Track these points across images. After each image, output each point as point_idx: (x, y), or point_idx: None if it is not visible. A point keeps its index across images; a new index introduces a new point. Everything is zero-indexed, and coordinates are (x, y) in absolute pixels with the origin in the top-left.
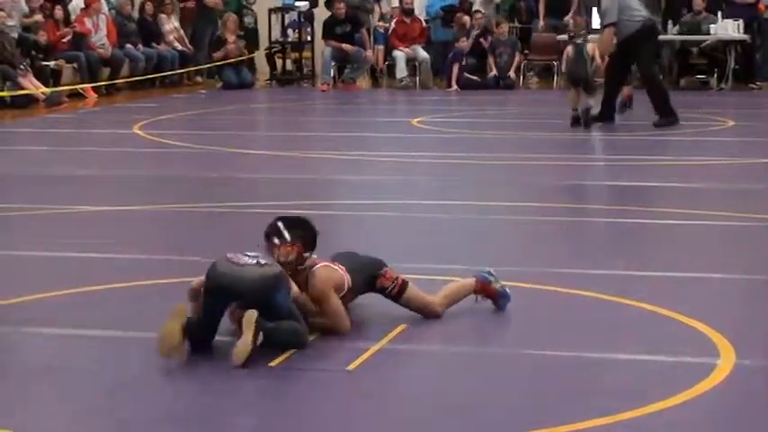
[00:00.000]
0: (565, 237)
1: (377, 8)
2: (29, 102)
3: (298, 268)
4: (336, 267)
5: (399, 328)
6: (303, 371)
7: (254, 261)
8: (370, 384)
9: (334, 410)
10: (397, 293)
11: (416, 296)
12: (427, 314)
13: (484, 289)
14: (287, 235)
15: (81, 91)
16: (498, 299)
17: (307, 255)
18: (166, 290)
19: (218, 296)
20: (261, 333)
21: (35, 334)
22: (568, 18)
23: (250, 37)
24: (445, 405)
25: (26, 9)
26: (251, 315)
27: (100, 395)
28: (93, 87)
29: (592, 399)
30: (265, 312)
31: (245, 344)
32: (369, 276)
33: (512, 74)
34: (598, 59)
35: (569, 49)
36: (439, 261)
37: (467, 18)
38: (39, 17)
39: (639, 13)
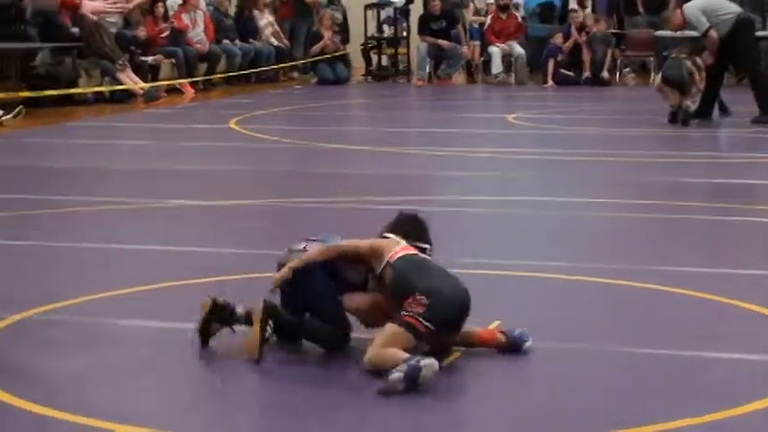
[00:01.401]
0: (662, 234)
1: (471, 4)
2: (127, 97)
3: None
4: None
5: (494, 324)
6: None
7: (303, 246)
8: (454, 382)
9: (421, 406)
10: None
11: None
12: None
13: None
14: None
15: (178, 86)
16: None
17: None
18: (262, 284)
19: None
20: (271, 325)
21: (135, 327)
22: (667, 12)
23: (340, 32)
24: (532, 402)
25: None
26: (257, 307)
27: (200, 387)
28: (190, 82)
29: (683, 398)
30: (298, 300)
31: (251, 337)
32: None
33: (605, 71)
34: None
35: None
36: (535, 258)
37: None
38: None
39: (731, 9)
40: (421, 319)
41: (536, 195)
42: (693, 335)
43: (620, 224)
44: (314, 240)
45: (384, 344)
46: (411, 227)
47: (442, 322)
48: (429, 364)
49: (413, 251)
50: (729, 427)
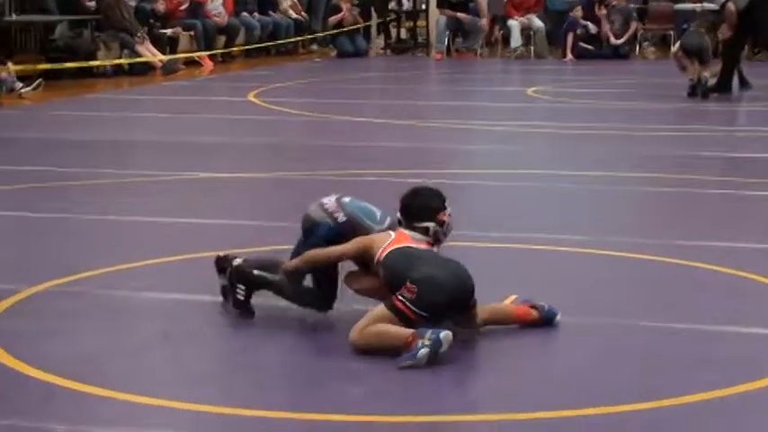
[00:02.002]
0: (681, 209)
1: None
2: (146, 69)
3: None
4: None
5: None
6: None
7: (334, 199)
8: (476, 354)
9: (447, 380)
10: None
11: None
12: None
13: (410, 344)
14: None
15: (197, 59)
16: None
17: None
18: (281, 256)
19: None
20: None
21: (153, 299)
22: None
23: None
24: (557, 374)
25: None
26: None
27: (217, 359)
28: (209, 55)
29: (702, 372)
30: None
31: None
32: None
33: (623, 42)
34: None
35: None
36: (552, 231)
37: None
38: None
39: None
40: (411, 306)
41: (554, 169)
42: (714, 310)
43: (638, 198)
44: (344, 199)
45: (368, 324)
46: (410, 207)
47: (435, 307)
48: (446, 336)
49: (402, 244)
50: (748, 400)
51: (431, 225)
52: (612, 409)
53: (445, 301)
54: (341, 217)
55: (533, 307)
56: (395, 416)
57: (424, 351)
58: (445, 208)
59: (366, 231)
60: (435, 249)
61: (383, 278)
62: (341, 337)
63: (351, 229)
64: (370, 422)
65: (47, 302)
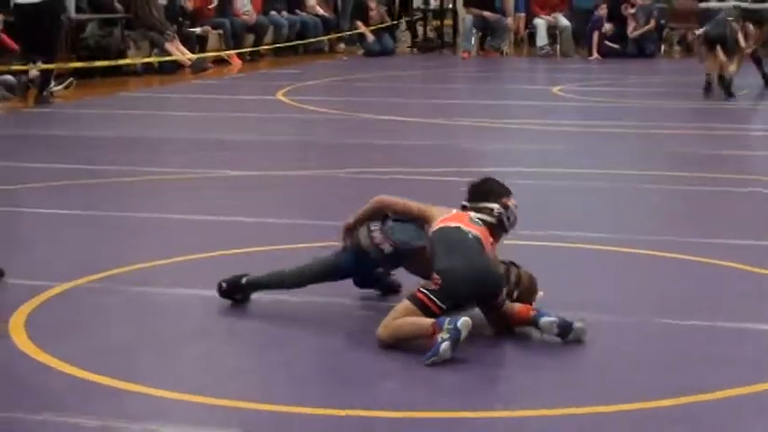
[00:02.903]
0: (703, 207)
1: None
2: (175, 68)
3: None
4: None
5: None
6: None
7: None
8: (495, 350)
9: (461, 377)
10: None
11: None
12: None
13: (431, 336)
14: None
15: (226, 57)
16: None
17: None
18: (308, 253)
19: None
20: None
21: (184, 295)
22: None
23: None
24: (579, 370)
25: None
26: None
27: (247, 355)
28: (237, 54)
29: (723, 369)
30: None
31: None
32: None
33: (645, 40)
34: (742, 41)
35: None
36: (578, 229)
37: None
38: None
39: None
40: (434, 298)
41: (580, 168)
42: (734, 307)
43: (660, 196)
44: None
45: (393, 319)
46: (476, 189)
47: (457, 301)
48: (464, 323)
49: (454, 223)
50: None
51: (495, 206)
52: (639, 406)
53: (466, 296)
54: (387, 248)
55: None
56: (423, 411)
57: (445, 345)
58: (510, 196)
59: (423, 249)
60: (493, 242)
61: (428, 252)
62: (370, 334)
63: (402, 255)
64: (399, 418)
65: (80, 298)
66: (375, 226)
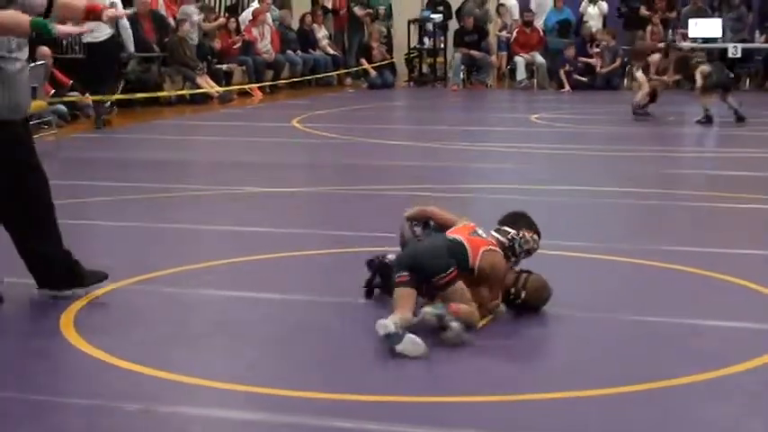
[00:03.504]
0: (659, 219)
1: (497, 19)
2: (205, 99)
3: None
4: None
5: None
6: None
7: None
8: (481, 342)
9: (463, 367)
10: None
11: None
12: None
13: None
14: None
15: (249, 90)
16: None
17: None
18: (321, 259)
19: None
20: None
21: (213, 295)
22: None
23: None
24: (556, 359)
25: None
26: None
27: (269, 346)
28: (258, 87)
29: (683, 359)
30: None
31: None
32: None
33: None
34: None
35: (703, 68)
36: (556, 238)
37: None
38: (220, 21)
39: None
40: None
41: (554, 185)
42: (686, 305)
43: (624, 210)
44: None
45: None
46: (509, 216)
47: (403, 269)
48: (410, 337)
49: (454, 234)
50: (723, 384)
51: (513, 231)
52: (610, 391)
53: (409, 266)
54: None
55: None
56: (414, 396)
57: (455, 325)
58: (536, 233)
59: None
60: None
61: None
62: (371, 326)
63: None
64: (399, 402)
65: (122, 298)
66: (418, 226)
